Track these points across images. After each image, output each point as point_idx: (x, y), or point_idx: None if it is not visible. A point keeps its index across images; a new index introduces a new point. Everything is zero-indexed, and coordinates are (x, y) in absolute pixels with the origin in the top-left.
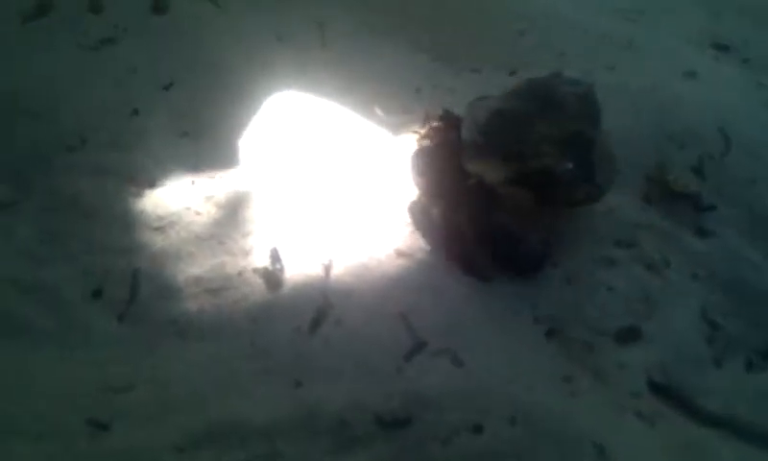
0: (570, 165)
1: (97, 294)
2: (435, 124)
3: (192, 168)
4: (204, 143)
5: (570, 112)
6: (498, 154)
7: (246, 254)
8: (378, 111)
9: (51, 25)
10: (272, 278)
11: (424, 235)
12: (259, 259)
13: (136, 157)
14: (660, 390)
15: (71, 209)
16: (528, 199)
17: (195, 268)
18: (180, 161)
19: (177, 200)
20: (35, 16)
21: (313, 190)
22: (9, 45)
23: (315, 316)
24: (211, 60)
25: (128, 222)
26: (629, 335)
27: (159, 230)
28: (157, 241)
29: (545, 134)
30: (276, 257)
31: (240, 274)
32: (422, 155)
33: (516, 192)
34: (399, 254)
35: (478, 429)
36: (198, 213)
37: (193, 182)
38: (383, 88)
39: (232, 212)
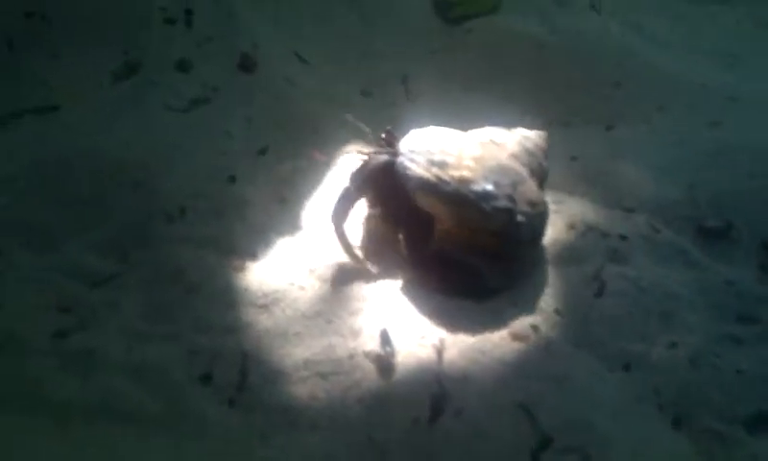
0: (490, 187)
1: (206, 378)
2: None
3: (293, 238)
4: (302, 210)
5: (509, 150)
6: (424, 158)
7: (355, 334)
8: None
9: (140, 85)
10: (383, 362)
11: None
12: (369, 341)
13: (236, 226)
14: None
15: (174, 284)
16: (445, 213)
17: (303, 350)
18: (281, 231)
19: (280, 274)
20: (124, 75)
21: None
22: (104, 111)
23: (433, 407)
24: (303, 120)
25: (232, 298)
26: (760, 422)
27: (264, 307)
28: (263, 320)
29: (472, 156)
30: (386, 339)
31: (351, 357)
32: (362, 170)
33: (430, 200)
34: (514, 336)
35: None
36: (302, 288)
37: (295, 254)
38: None
39: (337, 287)
